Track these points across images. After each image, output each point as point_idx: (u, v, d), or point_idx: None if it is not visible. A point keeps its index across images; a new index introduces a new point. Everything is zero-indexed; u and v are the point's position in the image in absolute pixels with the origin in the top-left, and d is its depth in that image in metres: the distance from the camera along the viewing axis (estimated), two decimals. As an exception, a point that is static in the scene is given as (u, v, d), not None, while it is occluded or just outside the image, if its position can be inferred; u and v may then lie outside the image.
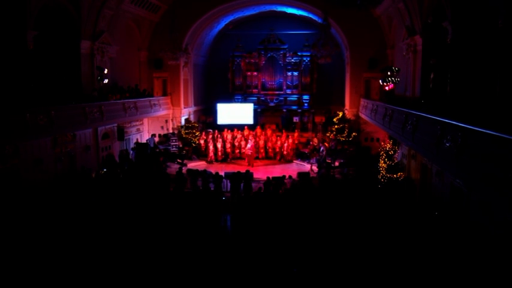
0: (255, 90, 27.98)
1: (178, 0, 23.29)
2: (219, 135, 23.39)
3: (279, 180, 16.94)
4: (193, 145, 24.03)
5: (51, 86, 16.10)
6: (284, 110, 27.99)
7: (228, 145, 23.06)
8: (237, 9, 25.69)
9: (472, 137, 7.65)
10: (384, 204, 14.04)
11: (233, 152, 23.09)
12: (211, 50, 30.43)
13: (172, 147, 22.93)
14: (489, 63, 10.85)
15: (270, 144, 23.13)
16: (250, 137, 22.96)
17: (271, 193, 16.05)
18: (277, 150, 22.89)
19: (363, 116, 22.47)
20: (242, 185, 16.60)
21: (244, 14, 27.36)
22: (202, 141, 23.54)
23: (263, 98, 27.94)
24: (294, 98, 27.70)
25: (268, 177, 16.91)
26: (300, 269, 9.55)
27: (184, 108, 25.70)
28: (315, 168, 20.46)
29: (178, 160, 21.98)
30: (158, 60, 23.92)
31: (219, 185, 16.78)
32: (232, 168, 20.09)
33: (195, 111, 27.62)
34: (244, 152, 22.36)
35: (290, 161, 22.45)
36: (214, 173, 17.93)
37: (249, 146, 21.90)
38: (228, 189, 16.93)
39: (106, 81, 19.02)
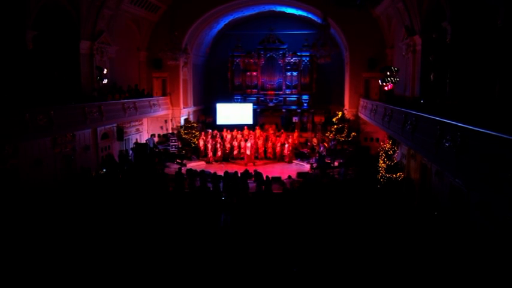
0: (254, 90, 28.00)
1: (178, 0, 23.29)
2: (218, 135, 23.39)
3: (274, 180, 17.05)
4: (193, 145, 24.02)
5: (51, 86, 16.08)
6: (283, 110, 28.01)
7: (227, 145, 23.05)
8: (237, 9, 25.70)
9: (472, 137, 7.65)
10: (384, 204, 14.05)
11: (232, 152, 23.07)
12: (211, 50, 30.42)
13: (172, 148, 22.92)
14: (488, 63, 10.86)
15: (269, 144, 23.14)
16: (250, 137, 22.97)
17: (269, 193, 16.06)
18: (277, 150, 22.88)
19: (362, 116, 22.48)
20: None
21: (244, 14, 27.37)
22: (201, 142, 23.53)
23: (262, 98, 27.95)
24: (293, 98, 27.72)
25: (267, 177, 16.93)
26: (300, 268, 9.55)
27: (184, 108, 25.69)
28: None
29: (177, 160, 21.97)
30: (158, 60, 23.89)
31: (218, 185, 16.79)
32: (231, 168, 20.09)
33: (194, 111, 27.62)
34: (243, 152, 22.37)
35: (289, 161, 22.45)
36: (213, 173, 17.93)
37: (248, 145, 21.92)
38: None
39: (105, 81, 18.99)
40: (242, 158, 22.47)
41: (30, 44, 14.90)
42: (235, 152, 23.00)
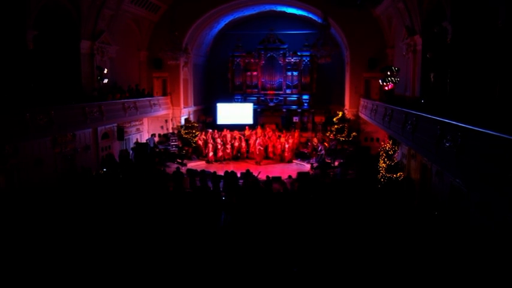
0: (254, 90, 28.01)
1: (178, 0, 23.30)
2: (218, 135, 23.40)
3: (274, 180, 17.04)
4: (193, 145, 24.04)
5: (51, 86, 16.09)
6: (284, 110, 28.02)
7: (227, 145, 23.07)
8: (237, 9, 25.71)
9: (472, 137, 7.65)
10: (384, 204, 14.04)
11: (233, 152, 23.09)
12: (211, 50, 30.44)
13: (172, 147, 22.93)
14: (489, 63, 10.85)
15: (270, 144, 23.16)
16: (255, 135, 23.09)
17: (269, 193, 16.05)
18: (277, 150, 22.89)
19: (362, 115, 22.47)
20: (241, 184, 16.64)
21: (244, 13, 27.37)
22: (201, 141, 23.54)
23: (263, 98, 27.96)
24: (293, 97, 27.73)
25: (268, 177, 16.93)
26: (300, 268, 9.55)
27: (184, 108, 25.70)
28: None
29: (178, 160, 21.97)
30: (158, 60, 23.90)
31: (218, 185, 16.80)
32: (232, 168, 20.09)
33: (194, 111, 27.63)
34: (253, 151, 22.46)
35: (290, 161, 22.46)
36: (213, 172, 17.93)
37: (258, 142, 22.03)
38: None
39: (106, 81, 19.01)
40: (243, 158, 22.55)
41: (30, 44, 14.90)
42: (235, 152, 23.02)
